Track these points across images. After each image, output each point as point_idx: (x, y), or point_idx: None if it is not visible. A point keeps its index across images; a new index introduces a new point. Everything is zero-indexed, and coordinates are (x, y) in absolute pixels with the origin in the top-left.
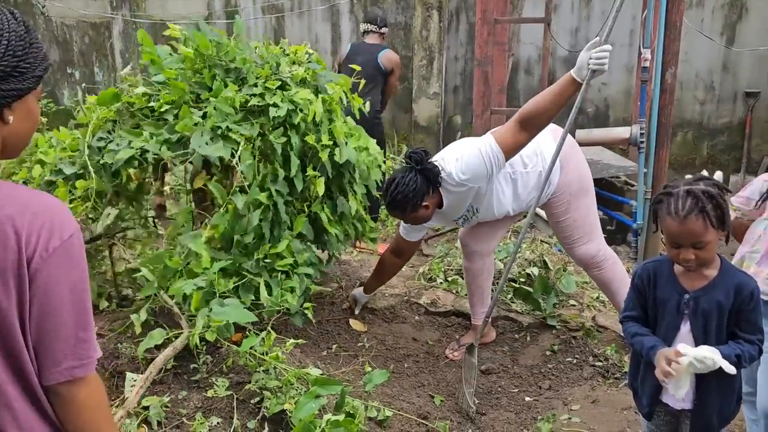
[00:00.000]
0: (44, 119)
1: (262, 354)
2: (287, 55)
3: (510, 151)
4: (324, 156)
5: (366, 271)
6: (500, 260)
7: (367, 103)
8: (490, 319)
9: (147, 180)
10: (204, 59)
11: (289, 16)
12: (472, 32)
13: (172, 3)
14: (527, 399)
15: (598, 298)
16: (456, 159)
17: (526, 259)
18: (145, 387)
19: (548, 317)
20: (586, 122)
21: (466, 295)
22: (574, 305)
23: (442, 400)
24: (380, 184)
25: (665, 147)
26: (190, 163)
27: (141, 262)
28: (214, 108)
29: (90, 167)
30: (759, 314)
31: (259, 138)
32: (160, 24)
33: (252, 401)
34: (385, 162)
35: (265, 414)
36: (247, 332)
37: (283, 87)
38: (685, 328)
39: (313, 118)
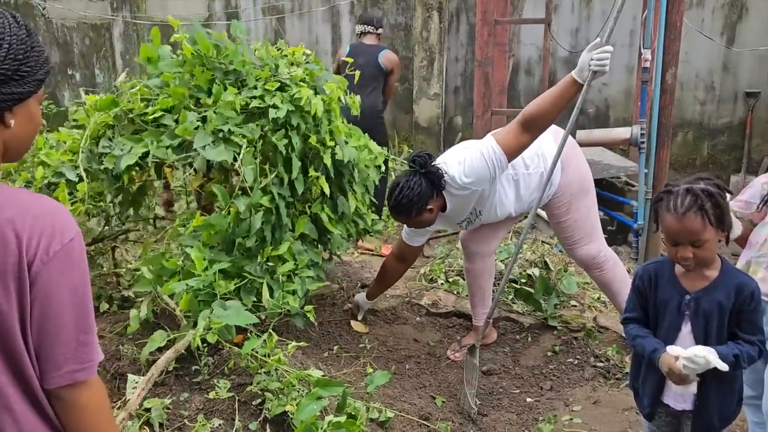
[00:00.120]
0: (44, 121)
1: (264, 356)
2: (285, 56)
3: (512, 153)
4: (326, 157)
5: (367, 272)
6: (501, 261)
7: (357, 97)
8: (491, 320)
9: (148, 181)
10: (203, 62)
11: (290, 17)
12: (472, 33)
13: (173, 4)
14: (528, 400)
15: (599, 298)
16: (459, 162)
17: (527, 260)
18: (147, 389)
19: (549, 318)
20: (586, 123)
21: (467, 296)
22: (575, 306)
23: (443, 401)
24: (377, 184)
25: (666, 147)
26: (191, 166)
27: (141, 262)
28: (215, 112)
29: (90, 172)
30: (759, 315)
31: (261, 140)
32: (160, 25)
33: (253, 403)
34: (387, 162)
35: (267, 416)
36: (248, 334)
37: (282, 88)
38: (686, 328)
39: (313, 118)
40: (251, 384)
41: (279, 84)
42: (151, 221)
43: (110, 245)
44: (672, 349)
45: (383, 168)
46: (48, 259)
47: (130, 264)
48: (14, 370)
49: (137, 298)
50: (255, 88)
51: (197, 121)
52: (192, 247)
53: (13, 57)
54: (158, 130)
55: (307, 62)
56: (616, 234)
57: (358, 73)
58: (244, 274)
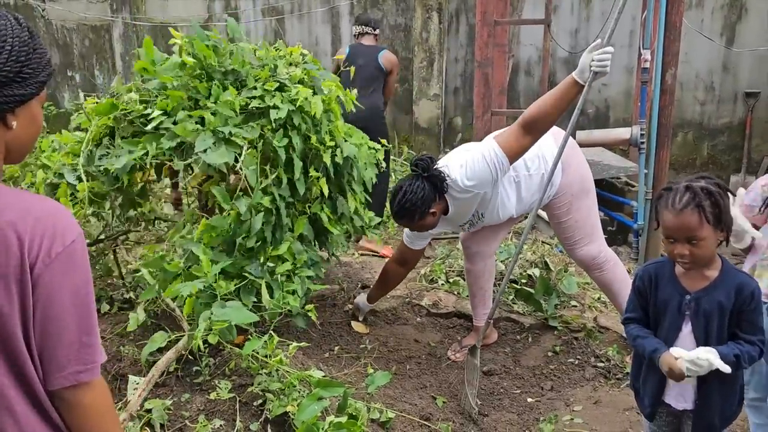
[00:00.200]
0: (44, 123)
1: (265, 356)
2: (283, 56)
3: (514, 155)
4: (327, 157)
5: (368, 272)
6: (501, 261)
7: (354, 91)
8: (492, 321)
9: (149, 182)
10: (202, 64)
11: (289, 18)
12: (472, 34)
13: (173, 5)
14: (529, 400)
15: (599, 298)
16: (460, 165)
17: (527, 261)
18: (148, 390)
19: (550, 318)
20: (586, 123)
21: (467, 296)
22: (575, 306)
23: (444, 402)
24: (375, 182)
25: (666, 147)
26: (190, 166)
27: (142, 264)
28: (213, 113)
29: (90, 174)
30: (760, 315)
31: (261, 140)
32: (160, 26)
33: (255, 404)
34: (389, 156)
35: (268, 416)
36: (249, 335)
37: (281, 88)
38: (687, 328)
39: (313, 117)
40: (252, 385)
41: (278, 84)
42: (152, 222)
43: (111, 246)
44: (675, 351)
45: (383, 164)
46: (50, 260)
47: (131, 265)
48: (16, 372)
49: (138, 301)
50: (254, 88)
51: (196, 123)
52: (196, 248)
53: (15, 59)
54: (157, 133)
55: (305, 62)
56: (616, 234)
57: (353, 69)
58: (244, 274)
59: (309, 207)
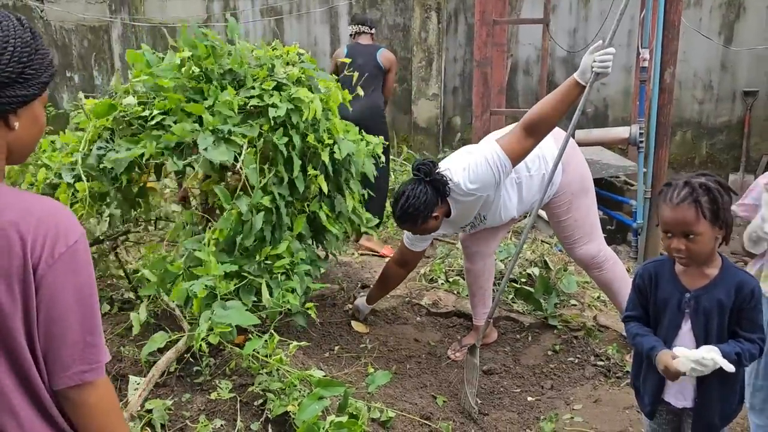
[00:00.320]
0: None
1: (265, 356)
2: (280, 56)
3: (517, 157)
4: (325, 155)
5: (367, 272)
6: (501, 261)
7: (345, 91)
8: (491, 320)
9: (148, 182)
10: (200, 65)
11: (288, 18)
12: (470, 33)
13: (171, 6)
14: (529, 399)
15: (599, 297)
16: (463, 168)
17: (527, 260)
18: (148, 390)
19: (549, 317)
20: (585, 122)
21: (467, 295)
22: (575, 305)
23: (444, 401)
24: (376, 175)
25: (664, 146)
26: (191, 167)
27: (142, 264)
28: (212, 114)
29: (89, 174)
30: (760, 313)
31: (260, 139)
32: (159, 27)
33: (255, 403)
34: (388, 152)
35: (269, 416)
36: (249, 335)
37: (279, 88)
38: (686, 326)
39: (312, 116)
40: (253, 384)
41: (275, 83)
42: (152, 222)
43: (111, 246)
44: (679, 351)
45: (382, 158)
46: (53, 261)
47: (131, 265)
48: (19, 375)
49: (139, 300)
50: (252, 88)
51: (194, 123)
52: (201, 251)
53: (17, 60)
54: (156, 133)
55: (302, 61)
56: (616, 233)
57: (356, 74)
58: (244, 274)
59: (307, 205)
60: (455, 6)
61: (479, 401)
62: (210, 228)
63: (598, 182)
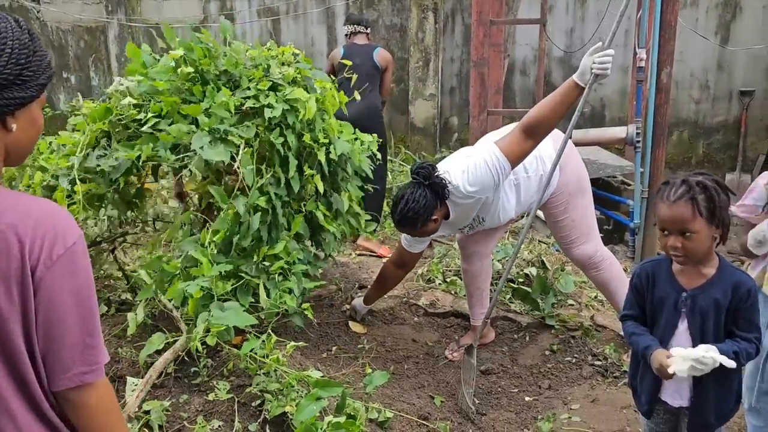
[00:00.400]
0: None
1: (263, 357)
2: (276, 56)
3: (516, 159)
4: (321, 155)
5: (365, 272)
6: (498, 261)
7: (341, 93)
8: (489, 320)
9: (146, 183)
10: (195, 66)
11: (285, 19)
12: (467, 34)
13: (168, 6)
14: (527, 399)
15: (596, 297)
16: (463, 171)
17: (524, 260)
18: (146, 391)
19: (547, 317)
20: (582, 122)
21: (464, 296)
22: (572, 305)
23: (442, 401)
24: (371, 176)
25: (661, 146)
26: (186, 167)
27: (140, 265)
28: (208, 115)
29: (86, 177)
30: (756, 312)
31: (256, 140)
32: (155, 27)
33: (253, 404)
34: (386, 150)
35: (267, 417)
36: (247, 335)
37: (274, 88)
38: (683, 326)
39: (308, 116)
40: (250, 385)
41: (271, 84)
42: (149, 223)
43: (109, 248)
44: (676, 351)
45: (378, 155)
46: (51, 263)
47: (127, 266)
48: (16, 377)
49: (136, 302)
50: (248, 88)
51: (190, 124)
52: (194, 251)
53: (15, 61)
54: (152, 136)
55: (297, 62)
56: (613, 233)
57: (355, 76)
58: (241, 274)
59: (304, 205)
60: (452, 6)
61: (477, 401)
62: (208, 228)
63: (595, 182)
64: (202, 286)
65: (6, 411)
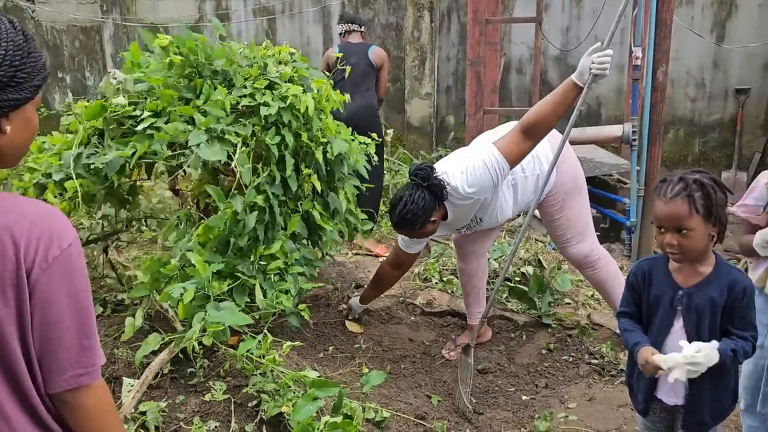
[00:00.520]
0: None
1: (259, 357)
2: (272, 55)
3: (515, 160)
4: (318, 154)
5: (361, 272)
6: (494, 260)
7: (347, 95)
8: (486, 319)
9: (140, 181)
10: (191, 64)
11: (281, 18)
12: (463, 32)
13: (163, 6)
14: (524, 398)
15: (592, 296)
16: (461, 172)
17: (521, 258)
18: (142, 392)
19: (544, 316)
20: (578, 120)
21: (461, 295)
22: (569, 303)
23: (439, 401)
24: (368, 176)
25: (657, 144)
26: (181, 167)
27: (136, 266)
28: (204, 114)
29: (79, 174)
30: (752, 311)
31: (253, 138)
32: (151, 27)
33: (249, 404)
34: (383, 150)
35: (263, 417)
36: (243, 335)
37: (271, 86)
38: (678, 324)
39: (304, 114)
40: (247, 386)
41: (268, 82)
42: (143, 221)
43: (103, 247)
44: (670, 358)
45: (375, 157)
46: (47, 265)
47: (125, 266)
48: (10, 379)
49: (134, 303)
50: (244, 87)
51: (186, 123)
52: (191, 251)
53: (9, 63)
54: (147, 134)
55: (294, 60)
56: (609, 231)
57: (349, 68)
58: (237, 274)
59: (301, 205)
60: (448, 5)
61: (474, 400)
62: (198, 225)
63: (591, 180)
64: (197, 287)
65: (1, 414)
